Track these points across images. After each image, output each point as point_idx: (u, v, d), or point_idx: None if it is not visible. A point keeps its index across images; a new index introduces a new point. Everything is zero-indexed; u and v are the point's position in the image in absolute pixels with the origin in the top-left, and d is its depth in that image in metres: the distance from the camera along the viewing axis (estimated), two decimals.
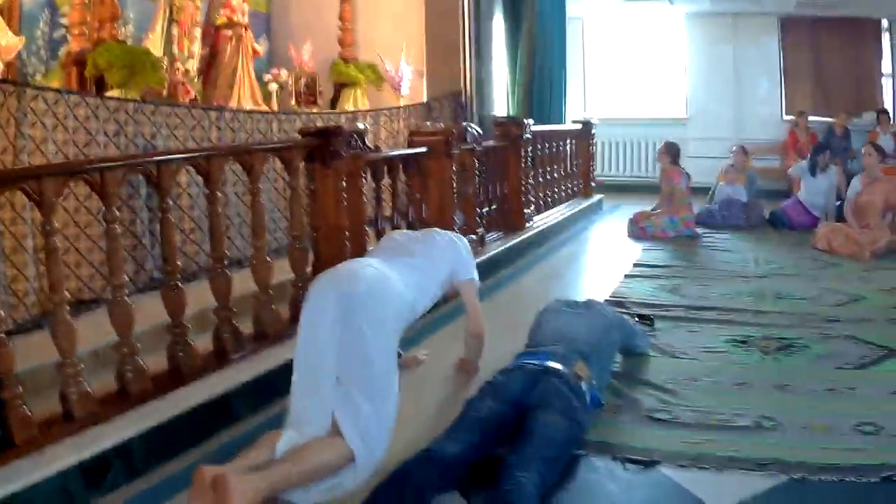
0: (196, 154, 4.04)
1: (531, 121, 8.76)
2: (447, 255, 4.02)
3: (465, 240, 4.30)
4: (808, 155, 9.98)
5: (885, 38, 13.16)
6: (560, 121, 11.65)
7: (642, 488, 3.11)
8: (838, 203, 9.33)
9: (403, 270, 3.52)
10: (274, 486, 2.72)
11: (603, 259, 8.25)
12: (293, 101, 10.30)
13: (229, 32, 9.18)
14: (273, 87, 9.95)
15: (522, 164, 8.33)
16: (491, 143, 7.88)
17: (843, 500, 2.96)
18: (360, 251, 5.00)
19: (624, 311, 5.46)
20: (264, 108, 9.12)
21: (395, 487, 2.80)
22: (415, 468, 2.88)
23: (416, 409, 3.75)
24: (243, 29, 9.27)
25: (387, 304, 3.18)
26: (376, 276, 3.26)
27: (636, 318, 5.24)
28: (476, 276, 4.22)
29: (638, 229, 9.19)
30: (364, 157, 5.13)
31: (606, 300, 5.84)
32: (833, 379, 4.23)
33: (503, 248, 7.49)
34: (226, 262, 4.12)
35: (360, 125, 5.31)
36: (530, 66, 11.51)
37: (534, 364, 3.59)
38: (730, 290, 6.37)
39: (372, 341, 3.02)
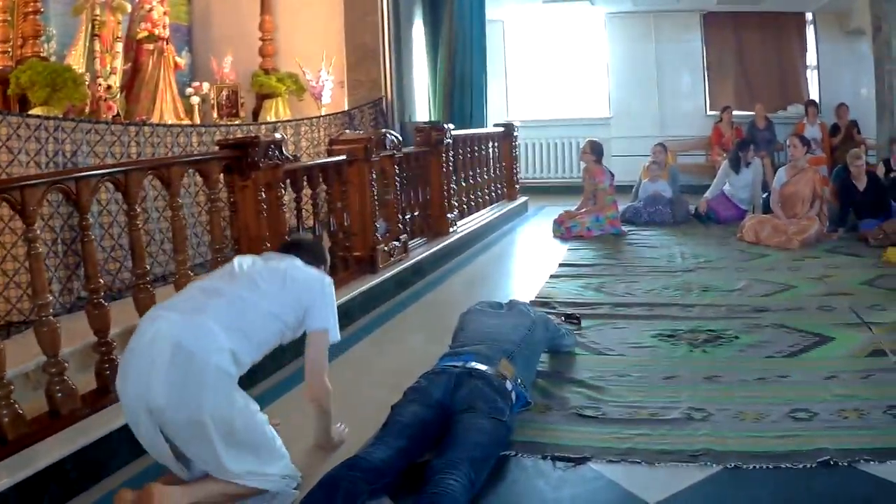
0: (114, 169, 4.02)
1: (452, 125, 8.83)
2: (300, 294, 3.24)
3: (330, 284, 3.42)
4: (732, 149, 10.24)
5: (809, 32, 13.53)
6: (482, 124, 11.73)
7: (573, 485, 3.12)
8: (765, 195, 9.56)
9: (219, 313, 2.92)
10: (197, 500, 2.77)
11: (529, 260, 8.33)
12: (215, 114, 10.22)
13: (151, 46, 9.08)
14: (195, 100, 9.85)
15: (444, 169, 8.38)
16: (412, 148, 7.95)
17: (779, 487, 2.99)
18: None
19: (550, 311, 5.49)
20: (186, 121, 9.05)
21: (325, 495, 2.83)
22: (343, 475, 2.90)
23: (345, 419, 3.73)
24: (164, 42, 9.19)
25: (201, 400, 2.72)
26: (179, 364, 2.73)
27: (562, 318, 5.30)
28: (332, 328, 3.34)
29: (563, 229, 9.30)
30: (282, 168, 5.16)
31: (532, 301, 5.88)
32: (764, 368, 4.30)
33: (427, 253, 7.54)
34: (149, 279, 4.11)
35: (280, 136, 5.34)
36: (451, 71, 11.61)
37: (457, 366, 3.61)
38: (656, 286, 6.45)
39: (202, 435, 2.74)
